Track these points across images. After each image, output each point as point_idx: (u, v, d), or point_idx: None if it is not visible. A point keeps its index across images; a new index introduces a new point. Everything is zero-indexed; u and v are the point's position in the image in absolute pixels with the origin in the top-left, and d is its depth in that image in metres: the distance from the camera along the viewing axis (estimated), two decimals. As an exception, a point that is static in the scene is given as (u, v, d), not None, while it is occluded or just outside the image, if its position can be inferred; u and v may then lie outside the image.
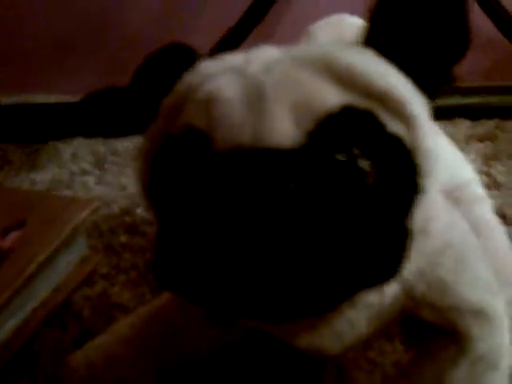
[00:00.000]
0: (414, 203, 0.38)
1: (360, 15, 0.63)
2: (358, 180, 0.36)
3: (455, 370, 0.44)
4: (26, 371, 0.58)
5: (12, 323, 0.60)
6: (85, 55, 1.15)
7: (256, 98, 0.37)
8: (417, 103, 0.39)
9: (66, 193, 0.85)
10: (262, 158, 0.35)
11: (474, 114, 0.93)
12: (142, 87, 0.46)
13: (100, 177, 0.87)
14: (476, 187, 0.64)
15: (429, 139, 0.39)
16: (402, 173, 0.38)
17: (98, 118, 0.49)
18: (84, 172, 0.89)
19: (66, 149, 0.95)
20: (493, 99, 0.94)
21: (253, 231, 0.34)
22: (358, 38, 0.41)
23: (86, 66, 1.15)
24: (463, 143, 0.85)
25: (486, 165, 0.80)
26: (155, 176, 0.41)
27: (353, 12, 0.63)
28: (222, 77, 0.39)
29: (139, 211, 0.77)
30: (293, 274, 0.34)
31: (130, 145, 0.92)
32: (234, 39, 1.01)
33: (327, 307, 0.39)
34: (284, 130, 0.36)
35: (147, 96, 0.45)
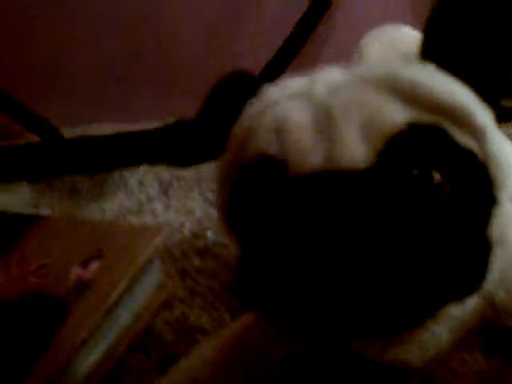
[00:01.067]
0: (490, 214, 0.38)
1: (409, 25, 0.63)
2: (434, 195, 0.37)
3: None
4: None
5: (97, 353, 0.61)
6: (137, 84, 1.17)
7: (325, 121, 0.38)
8: (483, 114, 0.39)
9: (135, 220, 0.86)
10: (335, 181, 0.36)
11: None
12: (209, 117, 0.47)
13: (167, 203, 0.89)
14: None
15: (499, 150, 0.39)
16: (477, 185, 0.38)
17: (170, 148, 0.51)
18: (151, 199, 0.91)
19: (132, 176, 0.97)
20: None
21: (333, 253, 0.35)
22: (416, 51, 0.42)
23: (139, 95, 1.17)
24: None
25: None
26: (234, 203, 0.42)
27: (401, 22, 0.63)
28: (289, 102, 0.40)
29: (209, 235, 0.79)
30: (377, 293, 0.35)
31: (194, 170, 0.93)
32: (281, 61, 1.02)
33: (413, 323, 0.39)
34: (354, 151, 0.37)
35: (215, 126, 0.46)
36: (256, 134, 0.41)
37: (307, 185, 0.37)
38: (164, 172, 0.95)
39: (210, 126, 0.47)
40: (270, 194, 0.39)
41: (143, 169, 0.98)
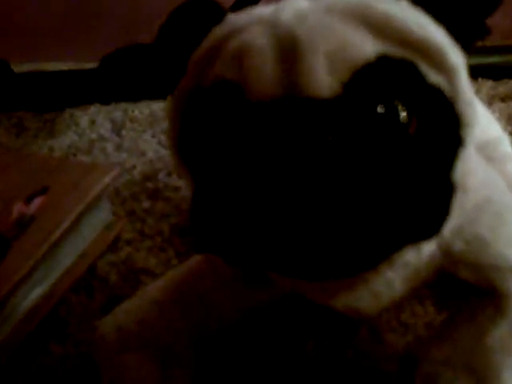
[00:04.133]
0: (456, 155, 0.37)
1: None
2: (399, 131, 0.35)
3: (494, 329, 0.43)
4: (55, 337, 0.58)
5: (38, 290, 0.60)
6: (97, 21, 1.14)
7: (289, 47, 0.36)
8: (455, 54, 0.38)
9: (85, 159, 0.84)
10: (298, 108, 0.34)
11: (496, 73, 0.91)
12: (166, 43, 0.45)
13: (118, 143, 0.86)
14: (506, 144, 0.63)
15: (468, 89, 0.38)
16: (444, 123, 0.37)
17: (122, 77, 0.48)
18: (102, 139, 0.88)
19: (84, 116, 0.94)
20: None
21: (291, 184, 0.33)
22: None
23: (98, 32, 1.13)
24: (486, 103, 0.84)
25: (510, 124, 0.79)
26: (187, 131, 0.40)
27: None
28: (253, 28, 0.38)
29: (160, 177, 0.77)
30: (333, 229, 0.33)
31: (147, 111, 0.91)
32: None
33: (368, 265, 0.38)
34: (319, 79, 0.35)
35: (173, 53, 0.44)
36: (216, 59, 0.39)
37: (266, 111, 0.35)
38: (116, 112, 0.92)
39: (167, 52, 0.45)
40: (225, 120, 0.37)
41: (95, 108, 0.94)
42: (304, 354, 0.53)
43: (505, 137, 0.64)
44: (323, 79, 0.35)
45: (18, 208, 0.62)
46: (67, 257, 0.63)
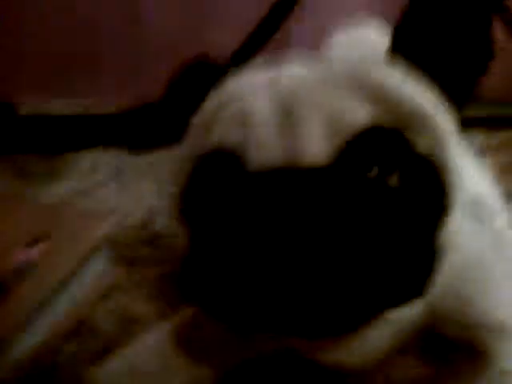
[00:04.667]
0: (442, 222, 0.39)
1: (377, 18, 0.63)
2: (388, 197, 0.37)
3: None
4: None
5: (33, 337, 0.60)
6: (102, 65, 1.16)
7: (288, 116, 0.38)
8: (445, 120, 0.40)
9: (85, 204, 0.85)
10: (293, 177, 0.36)
11: (489, 124, 0.93)
12: (169, 105, 0.47)
13: (118, 188, 0.88)
14: (494, 200, 0.64)
15: (455, 157, 0.39)
16: (431, 190, 0.38)
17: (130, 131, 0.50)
18: (102, 184, 0.90)
19: (85, 160, 0.95)
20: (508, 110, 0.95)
21: (284, 249, 0.35)
22: (386, 47, 0.42)
23: (103, 77, 1.15)
24: (479, 153, 0.85)
25: (503, 174, 0.80)
26: (188, 193, 0.42)
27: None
28: (253, 96, 0.40)
29: (159, 223, 0.78)
30: (322, 292, 0.35)
31: (147, 158, 0.93)
32: (252, 47, 1.02)
33: (352, 325, 0.39)
34: (315, 147, 0.37)
35: (176, 112, 0.45)
36: (216, 126, 0.40)
37: (264, 180, 0.36)
38: (117, 157, 0.94)
39: (172, 111, 0.46)
40: (224, 188, 0.38)
41: (96, 153, 0.96)
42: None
43: (494, 192, 0.65)
44: (319, 147, 0.37)
45: (19, 253, 0.63)
46: (62, 305, 0.63)
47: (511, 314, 0.46)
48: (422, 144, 0.38)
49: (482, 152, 0.85)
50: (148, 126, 0.50)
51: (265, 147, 0.37)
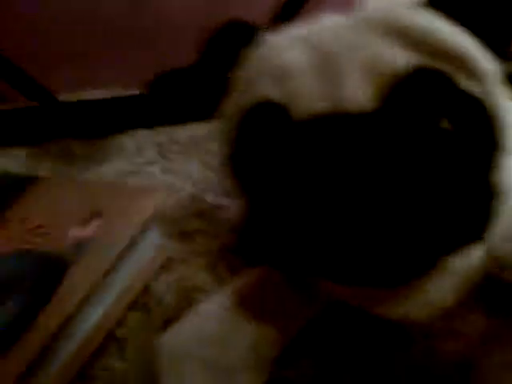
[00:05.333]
0: (496, 161, 0.38)
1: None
2: (441, 140, 0.37)
3: None
4: (117, 355, 0.59)
5: (98, 311, 0.61)
6: (135, 49, 1.16)
7: (329, 65, 0.38)
8: (487, 61, 0.39)
9: (134, 183, 0.86)
10: (341, 124, 0.36)
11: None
12: (206, 67, 0.47)
13: (165, 166, 0.88)
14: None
15: (503, 97, 0.39)
16: (482, 130, 0.38)
17: (165, 102, 0.50)
18: (149, 162, 0.90)
19: (130, 141, 0.96)
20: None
21: (339, 197, 0.35)
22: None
23: (137, 60, 1.16)
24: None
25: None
26: (237, 152, 0.42)
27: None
28: (292, 48, 0.40)
29: (207, 197, 0.78)
30: (380, 237, 0.35)
31: (191, 133, 0.93)
32: (289, 11, 1.02)
33: (417, 272, 0.39)
34: (360, 94, 0.37)
35: (213, 76, 0.45)
36: (258, 80, 0.40)
37: (312, 129, 0.37)
38: (161, 135, 0.95)
39: (207, 74, 0.46)
40: (273, 140, 0.38)
41: (140, 133, 0.97)
42: (359, 364, 0.54)
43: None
44: (362, 93, 0.37)
45: (74, 232, 0.64)
46: (123, 279, 0.64)
47: None
48: (468, 84, 0.38)
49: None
50: (184, 91, 0.50)
51: (308, 96, 0.38)
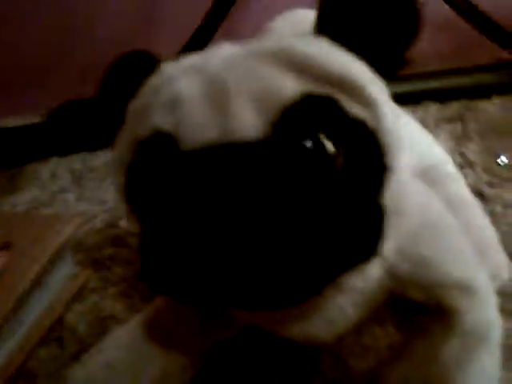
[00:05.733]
0: (383, 182, 0.39)
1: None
2: (327, 164, 0.37)
3: (446, 345, 0.45)
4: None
5: (8, 346, 0.60)
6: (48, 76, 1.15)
7: (218, 94, 0.38)
8: (375, 86, 0.40)
9: (48, 212, 0.85)
10: (229, 153, 0.36)
11: (441, 96, 0.94)
12: (106, 97, 0.47)
13: (79, 193, 0.88)
14: (448, 166, 0.65)
15: (390, 120, 0.40)
16: (368, 153, 0.39)
17: (68, 133, 0.50)
18: (63, 190, 0.89)
19: (44, 169, 0.95)
20: (459, 81, 0.96)
21: (229, 224, 0.35)
22: (312, 27, 0.42)
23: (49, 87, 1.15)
24: (433, 126, 0.87)
25: (457, 145, 0.82)
26: (131, 183, 0.42)
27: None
28: (183, 77, 0.40)
29: (122, 224, 0.78)
30: (273, 261, 0.35)
31: (106, 159, 0.93)
32: (197, 43, 1.02)
33: (311, 291, 0.40)
34: (248, 122, 0.37)
35: (113, 105, 0.45)
36: (151, 110, 0.40)
37: (199, 159, 0.37)
38: (76, 163, 0.94)
39: (107, 105, 0.46)
40: (162, 171, 0.38)
41: (55, 160, 0.96)
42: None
43: (448, 159, 0.66)
44: (251, 122, 0.37)
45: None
46: (34, 310, 0.63)
47: (469, 271, 0.47)
48: (355, 109, 0.39)
49: (436, 123, 0.88)
50: (89, 122, 0.49)
51: (197, 126, 0.38)
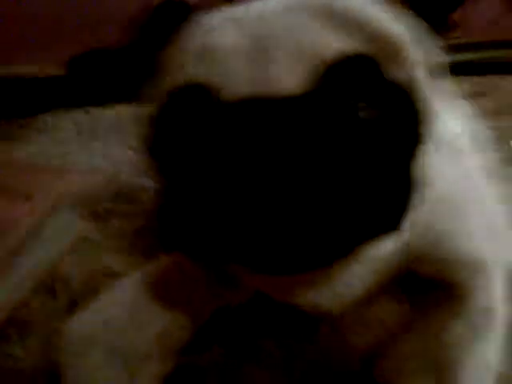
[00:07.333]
0: (416, 151, 0.38)
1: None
2: (362, 127, 0.36)
3: (455, 322, 0.44)
4: (17, 341, 0.57)
5: (3, 292, 0.59)
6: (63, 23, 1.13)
7: (257, 46, 0.37)
8: (416, 50, 0.39)
9: (53, 163, 0.83)
10: (267, 106, 0.35)
11: (476, 69, 0.92)
12: (138, 45, 0.45)
13: (83, 146, 0.86)
14: (465, 139, 0.63)
15: (429, 87, 0.38)
16: (404, 119, 0.37)
17: (88, 81, 0.49)
18: (67, 142, 0.87)
19: (50, 120, 0.93)
20: (495, 53, 0.94)
21: (258, 183, 0.34)
22: None
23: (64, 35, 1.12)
24: (467, 99, 0.84)
25: (489, 119, 0.80)
26: (159, 133, 0.40)
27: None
28: (223, 29, 0.39)
29: (125, 178, 0.76)
30: (296, 224, 0.34)
31: (112, 114, 0.91)
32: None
33: (329, 259, 0.39)
34: (287, 77, 0.36)
35: (144, 56, 0.44)
36: (185, 61, 0.39)
37: (237, 111, 0.35)
38: (81, 116, 0.92)
39: (138, 55, 0.45)
40: (196, 122, 0.37)
41: (60, 113, 0.94)
42: (265, 352, 0.53)
43: (466, 131, 0.64)
44: (291, 76, 0.36)
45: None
46: (30, 259, 0.62)
47: (485, 249, 0.46)
48: (396, 72, 0.38)
49: (468, 97, 0.85)
50: (115, 71, 0.48)
51: (235, 77, 0.36)
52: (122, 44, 0.47)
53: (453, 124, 0.63)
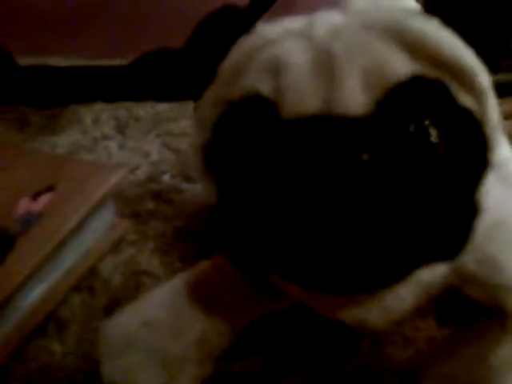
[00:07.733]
0: (482, 177, 0.38)
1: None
2: (429, 152, 0.35)
3: (499, 349, 0.43)
4: (56, 337, 0.57)
5: (41, 289, 0.59)
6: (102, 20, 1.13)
7: (325, 64, 0.36)
8: (484, 76, 0.38)
9: (88, 157, 0.83)
10: (333, 126, 0.35)
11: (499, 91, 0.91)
12: (194, 51, 0.45)
13: (122, 142, 0.86)
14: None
15: (495, 112, 0.38)
16: (472, 145, 0.37)
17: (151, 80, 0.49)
18: (106, 137, 0.87)
19: (87, 113, 0.93)
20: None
21: (318, 202, 0.34)
22: (419, 6, 0.40)
23: (101, 31, 1.13)
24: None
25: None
26: (217, 141, 0.40)
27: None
28: (288, 42, 0.38)
29: (164, 179, 0.76)
30: (357, 245, 0.34)
31: (151, 110, 0.91)
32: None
33: (385, 283, 0.38)
34: (354, 97, 0.35)
35: (200, 60, 0.44)
36: (249, 71, 0.39)
37: (301, 128, 0.35)
38: (121, 110, 0.92)
39: (196, 58, 0.45)
40: (257, 135, 0.37)
41: (99, 106, 0.94)
42: (307, 363, 0.53)
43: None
44: (357, 97, 0.35)
45: (24, 204, 0.62)
46: (70, 256, 0.62)
47: None
48: (463, 97, 0.37)
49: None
50: (170, 72, 0.48)
51: (302, 94, 0.36)
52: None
53: (505, 148, 0.63)
